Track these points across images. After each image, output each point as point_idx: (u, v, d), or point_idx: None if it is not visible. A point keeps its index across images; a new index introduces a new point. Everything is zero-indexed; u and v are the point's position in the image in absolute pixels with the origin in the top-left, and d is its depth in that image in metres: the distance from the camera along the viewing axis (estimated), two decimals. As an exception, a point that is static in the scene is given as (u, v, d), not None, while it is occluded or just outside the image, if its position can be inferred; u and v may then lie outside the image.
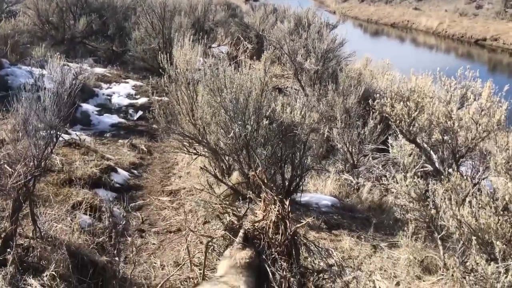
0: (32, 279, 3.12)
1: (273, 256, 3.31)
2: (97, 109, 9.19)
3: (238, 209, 3.87)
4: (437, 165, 4.11)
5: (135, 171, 6.43)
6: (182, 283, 3.74)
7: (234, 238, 3.51)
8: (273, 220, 3.25)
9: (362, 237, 4.67)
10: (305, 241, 3.38)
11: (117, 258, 3.59)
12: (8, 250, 3.19)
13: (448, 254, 4.13)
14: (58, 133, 3.27)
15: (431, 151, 4.24)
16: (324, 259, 3.33)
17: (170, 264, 4.03)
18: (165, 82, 5.70)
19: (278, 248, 3.27)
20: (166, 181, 6.23)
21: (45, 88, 8.45)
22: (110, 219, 3.70)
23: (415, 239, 4.38)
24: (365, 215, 5.34)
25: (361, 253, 4.30)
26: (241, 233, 3.46)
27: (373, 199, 5.70)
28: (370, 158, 6.47)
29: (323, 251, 3.36)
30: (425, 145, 4.16)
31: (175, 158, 7.16)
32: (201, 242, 4.22)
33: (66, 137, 6.62)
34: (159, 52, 11.39)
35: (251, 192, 3.67)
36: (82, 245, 3.69)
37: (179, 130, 4.90)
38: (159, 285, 3.65)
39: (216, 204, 4.03)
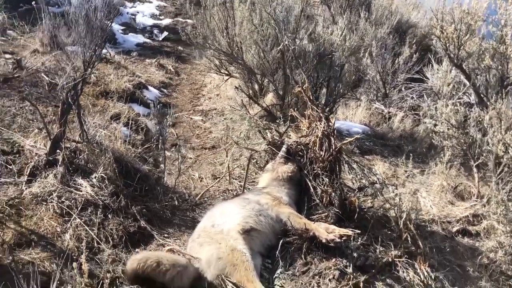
0: (81, 179, 3.21)
1: (315, 171, 3.35)
2: (122, 27, 9.02)
3: (279, 127, 3.87)
4: (481, 93, 4.02)
5: (164, 90, 6.42)
6: (221, 194, 3.84)
7: (278, 152, 3.54)
8: (319, 136, 3.25)
9: (395, 163, 4.69)
10: (347, 159, 3.40)
11: (162, 166, 3.65)
12: (58, 151, 3.26)
13: (482, 181, 4.16)
14: (107, 35, 3.22)
15: (477, 78, 4.14)
16: (366, 176, 3.36)
17: (208, 177, 4.11)
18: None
19: (321, 164, 3.29)
20: (196, 101, 6.22)
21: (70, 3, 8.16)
22: (158, 128, 3.68)
23: (450, 166, 4.40)
24: (397, 143, 5.34)
25: (395, 177, 4.35)
26: (284, 148, 3.48)
27: (405, 128, 5.66)
28: (403, 88, 6.35)
29: (366, 169, 3.38)
30: (471, 72, 4.05)
31: (203, 80, 7.10)
32: (237, 159, 4.28)
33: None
34: (184, -29, 10.91)
35: (294, 110, 3.65)
36: (125, 152, 3.75)
37: (216, 46, 4.79)
38: (200, 194, 3.76)
39: (258, 120, 4.03)
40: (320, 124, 3.32)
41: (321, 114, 3.34)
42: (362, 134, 5.47)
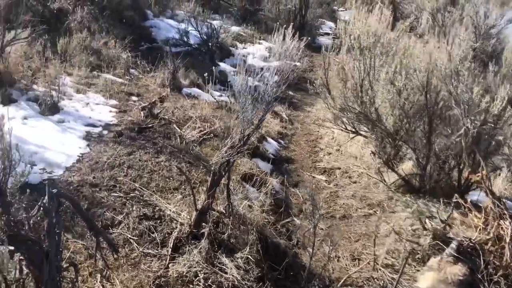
0: (225, 258, 2.97)
1: (492, 277, 2.82)
2: (234, 69, 9.05)
3: (439, 212, 3.39)
4: None
5: (282, 141, 6.18)
6: (365, 281, 3.41)
7: (441, 245, 3.07)
8: (504, 238, 2.74)
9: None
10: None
11: (310, 250, 3.30)
12: (203, 224, 3.06)
13: None
14: (270, 107, 3.02)
15: None
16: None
17: (345, 256, 3.71)
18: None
19: (502, 271, 2.77)
20: (314, 156, 5.89)
21: (191, 44, 8.16)
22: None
23: None
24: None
25: None
26: (453, 245, 3.00)
27: None
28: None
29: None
30: None
31: (318, 131, 6.78)
32: (375, 237, 3.83)
33: (214, 96, 6.51)
34: (296, 14, 10.90)
35: (459, 196, 3.17)
36: (264, 224, 3.49)
37: (354, 109, 4.47)
38: (341, 281, 3.36)
39: (420, 205, 3.59)
40: (504, 223, 2.80)
41: (506, 212, 2.83)
42: None
